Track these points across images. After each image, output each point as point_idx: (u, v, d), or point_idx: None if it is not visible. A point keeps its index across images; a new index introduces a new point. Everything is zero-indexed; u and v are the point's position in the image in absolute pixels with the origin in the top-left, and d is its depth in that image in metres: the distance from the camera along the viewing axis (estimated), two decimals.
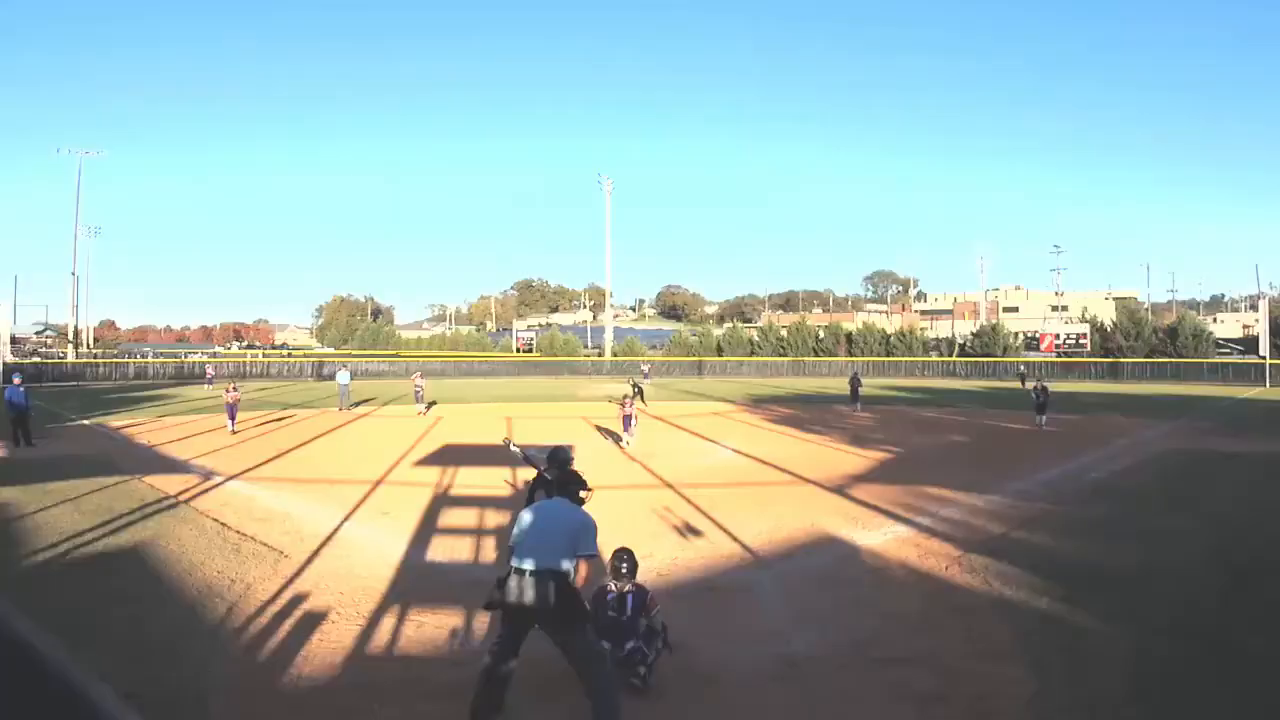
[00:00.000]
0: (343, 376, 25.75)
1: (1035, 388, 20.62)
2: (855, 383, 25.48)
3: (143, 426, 19.24)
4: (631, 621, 4.72)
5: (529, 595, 3.96)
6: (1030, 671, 4.76)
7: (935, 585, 6.60)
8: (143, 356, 54.82)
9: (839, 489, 11.11)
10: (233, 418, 18.10)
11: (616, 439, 16.81)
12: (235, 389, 18.84)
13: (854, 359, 55.76)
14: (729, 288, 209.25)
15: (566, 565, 4.05)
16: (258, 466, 13.13)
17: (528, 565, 4.02)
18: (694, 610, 5.94)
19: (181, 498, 10.19)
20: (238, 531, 8.41)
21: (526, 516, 4.29)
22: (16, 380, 16.04)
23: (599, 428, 19.31)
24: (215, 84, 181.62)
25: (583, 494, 5.94)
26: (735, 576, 6.92)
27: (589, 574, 4.15)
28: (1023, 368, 45.10)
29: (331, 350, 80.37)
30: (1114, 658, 4.95)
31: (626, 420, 15.90)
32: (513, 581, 4.01)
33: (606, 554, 5.08)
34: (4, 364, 37.90)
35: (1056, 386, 19.71)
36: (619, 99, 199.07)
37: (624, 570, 4.88)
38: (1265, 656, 4.98)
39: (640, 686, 4.48)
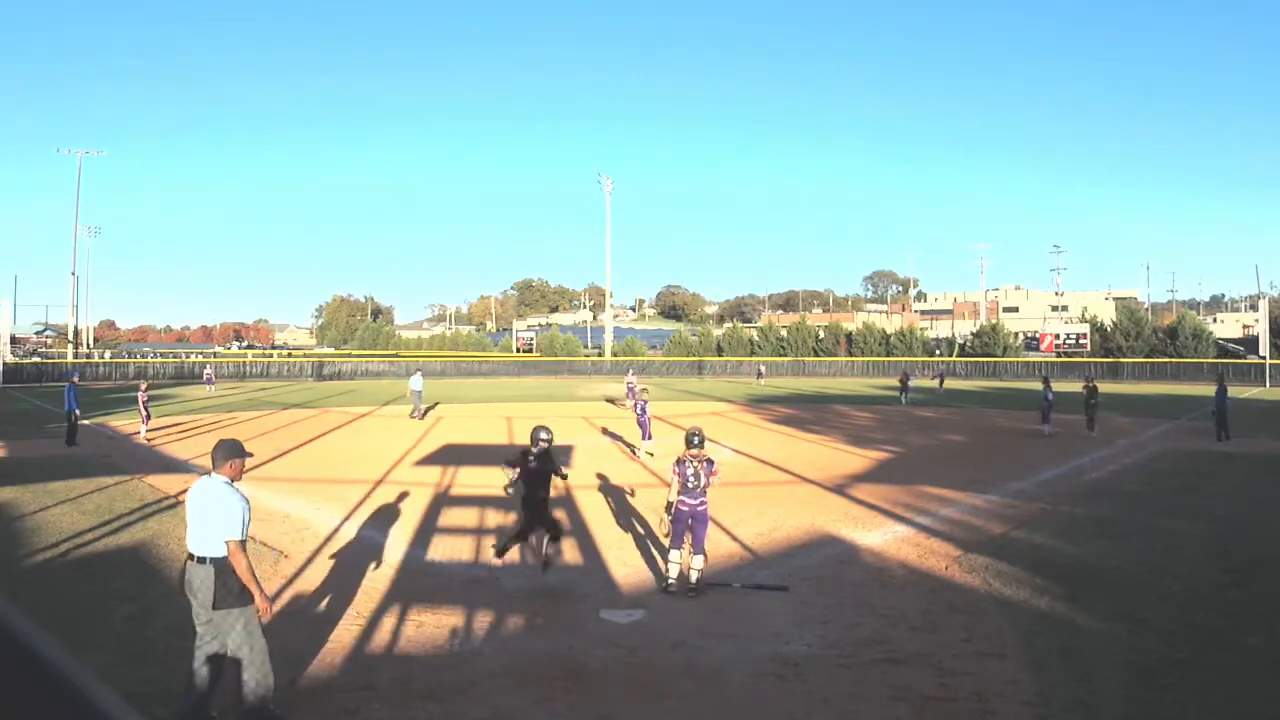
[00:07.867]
0: (416, 381, 22.86)
1: (1087, 387, 18.68)
2: (941, 376, 29.01)
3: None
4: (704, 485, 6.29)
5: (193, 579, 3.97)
6: (1030, 671, 4.76)
7: (935, 585, 6.60)
8: (143, 356, 54.85)
9: (839, 489, 11.11)
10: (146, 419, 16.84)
11: (617, 437, 16.79)
12: (145, 387, 17.62)
13: (854, 359, 55.88)
14: (729, 288, 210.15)
15: (219, 552, 3.96)
16: (258, 466, 13.09)
17: (198, 550, 3.99)
18: (694, 609, 5.94)
19: (181, 498, 10.15)
20: None
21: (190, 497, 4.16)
22: (76, 379, 15.77)
23: (604, 429, 19.31)
24: (215, 84, 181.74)
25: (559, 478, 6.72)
26: (735, 576, 6.91)
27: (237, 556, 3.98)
28: (905, 366, 39.47)
29: (331, 350, 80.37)
30: (1114, 658, 4.95)
31: (643, 426, 15.00)
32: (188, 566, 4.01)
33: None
34: (4, 364, 37.92)
35: (1058, 386, 19.59)
36: (619, 99, 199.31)
37: (695, 442, 6.32)
38: (1264, 655, 4.98)
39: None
